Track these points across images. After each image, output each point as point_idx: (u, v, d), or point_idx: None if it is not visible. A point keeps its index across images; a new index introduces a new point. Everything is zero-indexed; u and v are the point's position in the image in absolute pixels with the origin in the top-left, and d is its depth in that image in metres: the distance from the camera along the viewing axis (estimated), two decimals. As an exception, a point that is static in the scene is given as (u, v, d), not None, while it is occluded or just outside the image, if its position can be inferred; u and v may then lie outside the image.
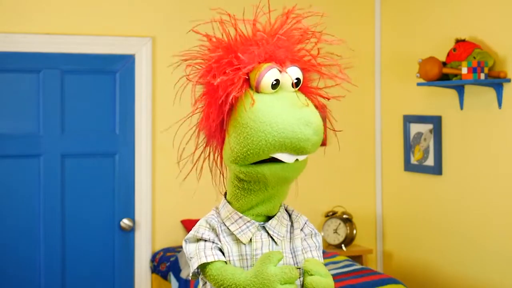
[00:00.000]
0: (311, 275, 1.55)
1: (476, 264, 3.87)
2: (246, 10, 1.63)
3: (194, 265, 1.61)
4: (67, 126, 4.08)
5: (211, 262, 1.59)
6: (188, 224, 4.23)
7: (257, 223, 1.63)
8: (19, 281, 4.01)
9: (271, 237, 1.63)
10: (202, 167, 1.73)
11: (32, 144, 4.02)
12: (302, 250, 1.67)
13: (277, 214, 1.66)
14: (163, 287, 4.06)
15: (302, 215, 1.73)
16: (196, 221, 4.63)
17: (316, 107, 1.61)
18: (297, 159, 1.54)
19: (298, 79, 1.57)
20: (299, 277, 1.57)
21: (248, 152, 1.52)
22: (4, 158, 3.98)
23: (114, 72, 4.17)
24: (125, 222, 4.17)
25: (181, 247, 4.12)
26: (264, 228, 1.63)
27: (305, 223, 1.72)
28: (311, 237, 1.70)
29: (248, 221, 1.62)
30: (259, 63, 1.55)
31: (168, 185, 4.24)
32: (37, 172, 4.03)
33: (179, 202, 4.26)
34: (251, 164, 1.55)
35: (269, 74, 1.54)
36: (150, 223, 4.22)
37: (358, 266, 3.78)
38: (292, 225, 1.69)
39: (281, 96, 1.54)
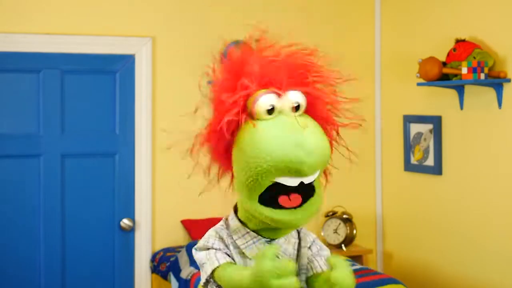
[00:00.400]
0: (337, 269, 1.54)
1: (476, 264, 3.87)
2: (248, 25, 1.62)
3: (208, 271, 1.61)
4: (67, 126, 4.08)
5: (222, 264, 1.59)
6: (188, 224, 4.23)
7: (263, 240, 1.63)
8: (19, 281, 4.01)
9: (277, 255, 1.62)
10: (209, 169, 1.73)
11: (32, 144, 4.01)
12: (308, 263, 1.67)
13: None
14: (163, 287, 4.06)
15: (310, 233, 1.72)
16: (196, 221, 4.64)
17: (327, 131, 1.62)
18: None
19: (298, 103, 1.56)
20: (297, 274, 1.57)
21: (249, 180, 1.53)
22: (4, 158, 3.98)
23: (114, 72, 4.17)
24: (125, 222, 4.17)
25: (181, 247, 4.12)
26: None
27: (313, 241, 1.71)
28: (319, 253, 1.70)
29: (255, 237, 1.63)
30: (258, 88, 1.55)
31: (168, 185, 4.24)
32: (37, 172, 4.03)
33: (179, 202, 4.26)
34: (259, 203, 1.55)
35: (264, 99, 1.53)
36: (150, 223, 4.22)
37: (358, 266, 3.78)
38: (299, 243, 1.68)
39: (278, 121, 1.54)
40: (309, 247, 1.69)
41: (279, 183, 1.52)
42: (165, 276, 3.99)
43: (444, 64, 3.88)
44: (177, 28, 4.24)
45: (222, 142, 1.60)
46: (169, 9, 4.25)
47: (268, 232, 1.62)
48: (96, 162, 4.14)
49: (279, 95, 1.55)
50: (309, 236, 1.71)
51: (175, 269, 3.86)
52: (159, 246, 4.24)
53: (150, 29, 4.22)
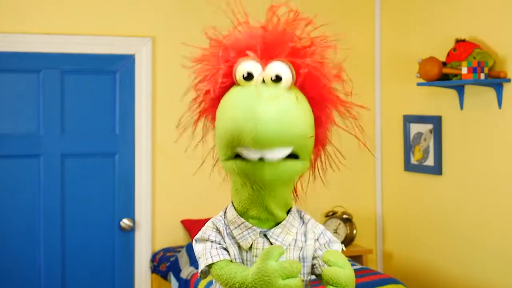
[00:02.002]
0: (330, 266, 1.51)
1: (476, 264, 3.87)
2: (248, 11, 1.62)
3: (201, 265, 1.62)
4: (67, 126, 4.08)
5: (216, 262, 1.58)
6: (188, 224, 4.23)
7: (258, 230, 1.60)
8: (19, 281, 4.01)
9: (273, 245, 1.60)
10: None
11: (32, 144, 4.02)
12: (316, 258, 1.63)
13: (283, 222, 1.61)
14: (163, 287, 4.06)
15: (319, 225, 1.68)
16: (196, 221, 4.64)
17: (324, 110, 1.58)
18: (262, 159, 1.47)
19: (277, 75, 1.50)
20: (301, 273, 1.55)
21: (218, 144, 1.54)
22: (4, 158, 3.98)
23: (114, 72, 4.17)
24: (125, 222, 4.17)
25: (181, 247, 4.12)
26: (265, 235, 1.61)
27: (322, 232, 1.67)
28: (327, 245, 1.66)
29: (250, 227, 1.60)
30: (240, 56, 1.54)
31: (168, 185, 4.24)
32: (37, 172, 4.03)
33: (179, 202, 4.27)
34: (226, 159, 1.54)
35: (242, 65, 1.52)
36: (150, 223, 4.22)
37: (358, 266, 3.78)
38: (305, 234, 1.65)
39: (249, 90, 1.49)
40: (317, 239, 1.65)
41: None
42: (165, 276, 3.99)
43: (444, 64, 3.88)
44: (177, 28, 4.24)
45: (214, 107, 1.60)
46: (169, 9, 4.25)
47: (255, 210, 1.58)
48: (96, 162, 4.14)
49: (260, 62, 1.52)
50: (318, 228, 1.67)
51: (175, 269, 3.86)
52: (159, 246, 4.24)
53: (150, 29, 4.22)
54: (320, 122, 1.59)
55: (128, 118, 4.18)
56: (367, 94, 4.60)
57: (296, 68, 1.53)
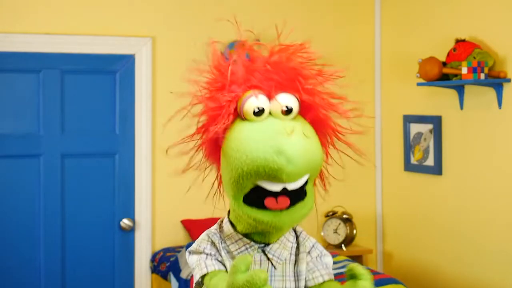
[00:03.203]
0: (363, 279, 1.51)
1: (476, 264, 3.87)
2: (249, 21, 1.61)
3: (196, 276, 1.61)
4: (67, 126, 4.08)
5: (209, 272, 1.58)
6: (188, 224, 4.23)
7: (256, 246, 1.61)
8: (19, 281, 4.01)
9: (270, 260, 1.61)
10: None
11: (32, 144, 4.01)
12: (308, 271, 1.64)
13: (280, 238, 1.63)
14: (163, 287, 4.06)
15: (310, 238, 1.69)
16: (196, 221, 4.64)
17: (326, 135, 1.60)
18: (285, 190, 1.49)
19: (288, 106, 1.52)
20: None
21: (233, 182, 1.52)
22: (4, 158, 3.98)
23: (114, 72, 4.17)
24: (125, 222, 4.17)
25: (181, 247, 4.12)
26: (263, 251, 1.61)
27: (313, 245, 1.68)
28: (319, 258, 1.67)
29: (248, 243, 1.61)
30: (248, 90, 1.53)
31: (168, 185, 4.24)
32: (37, 172, 4.02)
33: (179, 202, 4.26)
34: (245, 203, 1.53)
35: (251, 101, 1.52)
36: (150, 223, 4.22)
37: (358, 266, 3.78)
38: (298, 248, 1.66)
39: (264, 124, 1.51)
40: (309, 252, 1.67)
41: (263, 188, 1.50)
42: (165, 276, 3.99)
43: (444, 64, 3.88)
44: (177, 28, 4.24)
45: (214, 145, 1.59)
46: (169, 9, 4.25)
47: (259, 236, 1.60)
48: (96, 162, 4.14)
49: (269, 97, 1.53)
50: (309, 241, 1.68)
51: (175, 269, 3.86)
52: (159, 246, 4.24)
53: (150, 29, 4.22)
54: (323, 146, 1.62)
55: (128, 118, 4.18)
56: (367, 94, 4.60)
57: (303, 104, 1.56)
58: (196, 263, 1.62)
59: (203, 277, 1.60)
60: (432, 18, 4.17)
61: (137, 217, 4.20)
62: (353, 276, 1.53)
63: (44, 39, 4.00)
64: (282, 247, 1.63)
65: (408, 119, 4.37)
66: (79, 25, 4.08)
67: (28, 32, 3.98)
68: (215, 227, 1.68)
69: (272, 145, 1.46)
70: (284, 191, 1.50)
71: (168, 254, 4.08)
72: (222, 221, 1.68)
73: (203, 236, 1.66)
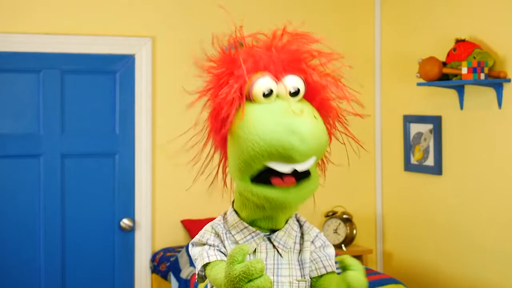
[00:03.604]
0: (352, 270, 1.55)
1: (476, 264, 3.87)
2: (249, 22, 1.63)
3: (198, 266, 1.62)
4: (67, 126, 4.08)
5: (211, 262, 1.59)
6: (188, 224, 4.23)
7: (262, 234, 1.62)
8: (19, 281, 4.01)
9: (276, 248, 1.62)
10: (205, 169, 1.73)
11: (32, 144, 4.01)
12: (312, 261, 1.65)
13: (285, 226, 1.64)
14: (163, 287, 4.06)
15: (314, 227, 1.71)
16: (196, 221, 4.64)
17: (329, 118, 1.62)
18: (295, 171, 1.51)
19: (295, 88, 1.55)
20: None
21: (242, 163, 1.53)
22: (4, 158, 3.98)
23: (114, 72, 4.17)
24: (125, 222, 4.17)
25: (181, 247, 4.12)
26: (269, 239, 1.62)
27: (316, 235, 1.69)
28: (321, 249, 1.68)
29: (254, 231, 1.62)
30: (255, 73, 1.55)
31: (168, 185, 4.24)
32: (37, 172, 4.02)
33: (179, 202, 4.26)
34: (252, 182, 1.54)
35: (260, 83, 1.53)
36: (150, 223, 4.22)
37: (358, 266, 3.78)
38: (302, 237, 1.67)
39: (274, 106, 1.53)
40: (312, 242, 1.68)
41: (271, 168, 1.51)
42: (165, 276, 3.99)
43: (444, 64, 3.88)
44: (177, 28, 4.24)
45: (223, 130, 1.60)
46: (169, 9, 4.25)
47: (265, 222, 1.61)
48: (96, 162, 4.14)
49: (276, 79, 1.55)
50: (313, 231, 1.69)
51: (175, 269, 3.86)
52: (159, 246, 4.24)
53: (150, 29, 4.22)
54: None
55: (128, 118, 4.18)
56: (367, 94, 4.60)
57: (308, 85, 1.58)
58: (198, 254, 1.62)
59: (204, 266, 1.60)
60: (432, 18, 4.17)
61: (137, 217, 4.20)
62: (344, 268, 1.57)
63: (44, 39, 4.00)
64: (287, 235, 1.64)
65: (408, 119, 4.37)
66: (79, 25, 4.08)
67: (28, 32, 3.98)
68: (218, 218, 1.69)
69: (285, 124, 1.48)
70: (293, 172, 1.52)
71: (168, 254, 4.08)
72: (225, 213, 1.68)
73: (207, 227, 1.67)
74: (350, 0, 4.64)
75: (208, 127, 1.65)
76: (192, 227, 4.20)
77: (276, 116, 1.50)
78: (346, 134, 1.68)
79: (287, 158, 1.48)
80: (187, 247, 3.94)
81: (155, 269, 4.13)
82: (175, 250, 4.12)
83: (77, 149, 4.10)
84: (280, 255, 1.62)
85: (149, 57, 4.18)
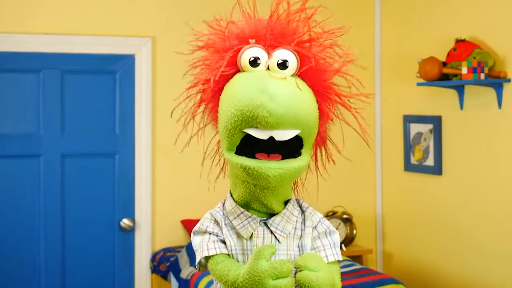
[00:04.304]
0: (301, 270, 1.50)
1: (476, 264, 3.87)
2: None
3: (197, 258, 1.63)
4: (67, 126, 4.08)
5: (213, 255, 1.59)
6: (188, 224, 4.23)
7: (258, 219, 1.61)
8: (19, 281, 4.01)
9: (274, 233, 1.61)
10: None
11: (32, 144, 4.02)
12: (315, 249, 1.63)
13: (283, 211, 1.62)
14: (163, 287, 4.06)
15: (317, 213, 1.67)
16: (196, 221, 4.63)
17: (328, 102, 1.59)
18: (271, 138, 1.47)
19: (284, 60, 1.52)
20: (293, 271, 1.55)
21: (224, 131, 1.52)
22: (4, 158, 3.98)
23: (114, 72, 4.17)
24: (125, 222, 4.17)
25: (181, 247, 4.12)
26: (266, 224, 1.61)
27: (319, 221, 1.66)
28: (326, 235, 1.65)
29: (250, 217, 1.61)
30: (245, 44, 1.56)
31: (168, 185, 4.24)
32: (37, 172, 4.03)
33: (179, 202, 4.27)
34: (236, 154, 1.53)
35: (248, 52, 1.54)
36: (150, 223, 4.22)
37: (358, 266, 3.79)
38: (303, 222, 1.65)
39: (258, 73, 1.52)
40: (315, 227, 1.65)
41: (253, 138, 1.49)
42: (165, 276, 3.99)
43: (444, 64, 3.88)
44: (177, 28, 4.24)
45: (216, 99, 1.60)
46: (169, 9, 4.25)
47: (258, 204, 1.59)
48: (96, 162, 4.14)
49: (267, 51, 1.54)
50: (315, 216, 1.66)
51: (175, 269, 3.86)
52: (159, 246, 4.24)
53: (150, 29, 4.22)
54: (322, 115, 1.60)
55: (128, 118, 4.18)
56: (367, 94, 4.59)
57: (300, 59, 1.55)
58: (198, 245, 1.63)
59: (205, 259, 1.61)
60: (432, 18, 4.17)
61: (137, 217, 4.20)
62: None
63: (44, 39, 4.00)
64: (285, 220, 1.62)
65: (408, 119, 4.37)
66: (79, 25, 4.08)
67: (28, 32, 3.98)
68: (218, 205, 1.69)
69: (258, 85, 1.47)
70: (274, 144, 1.49)
71: (168, 254, 4.08)
72: (225, 199, 1.68)
73: (206, 215, 1.67)
74: (350, 0, 4.64)
75: (207, 104, 1.65)
76: (192, 227, 4.17)
77: (255, 79, 1.49)
78: (347, 123, 1.63)
79: (258, 117, 1.45)
80: (187, 247, 3.94)
81: (155, 269, 4.13)
82: (175, 250, 4.12)
83: (77, 149, 4.11)
84: (278, 240, 1.60)
85: (149, 57, 4.18)
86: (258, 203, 1.60)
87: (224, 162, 1.74)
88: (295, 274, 1.52)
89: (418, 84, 4.03)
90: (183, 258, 3.88)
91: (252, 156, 1.51)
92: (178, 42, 4.26)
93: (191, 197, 4.27)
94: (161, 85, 4.21)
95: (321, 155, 1.71)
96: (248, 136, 1.50)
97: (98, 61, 4.13)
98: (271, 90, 1.45)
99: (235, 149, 1.53)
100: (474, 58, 3.67)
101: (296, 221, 1.64)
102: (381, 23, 4.64)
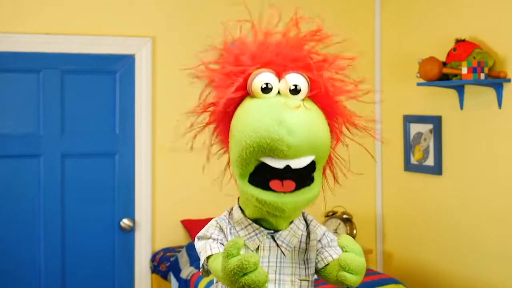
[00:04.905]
0: (346, 251, 1.51)
1: (476, 264, 3.87)
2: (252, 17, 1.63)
3: (202, 259, 1.63)
4: (67, 126, 4.08)
5: (213, 254, 1.59)
6: (188, 224, 4.23)
7: (266, 231, 1.61)
8: (19, 281, 4.01)
9: (280, 247, 1.62)
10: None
11: (32, 144, 4.01)
12: (318, 254, 1.65)
13: (290, 226, 1.63)
14: (163, 287, 4.06)
15: (321, 226, 1.69)
16: (196, 221, 4.64)
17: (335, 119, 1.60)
18: (288, 167, 1.48)
19: (296, 85, 1.52)
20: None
21: (238, 158, 1.51)
22: (4, 158, 3.98)
23: (114, 72, 4.17)
24: (125, 222, 4.17)
25: (181, 247, 4.12)
26: (273, 237, 1.62)
27: (324, 234, 1.69)
28: (330, 244, 1.68)
29: (257, 229, 1.61)
30: (257, 68, 1.55)
31: (168, 185, 4.24)
32: (37, 172, 4.02)
33: (179, 202, 4.26)
34: (250, 183, 1.53)
35: (260, 78, 1.53)
36: (150, 223, 4.22)
37: (358, 266, 3.78)
38: (308, 236, 1.66)
39: (271, 100, 1.51)
40: (319, 240, 1.67)
41: (268, 166, 1.48)
42: (165, 276, 3.99)
43: (444, 64, 3.88)
44: (177, 28, 4.24)
45: (224, 121, 1.60)
46: (169, 9, 4.25)
47: (267, 223, 1.60)
48: (96, 162, 4.14)
49: (278, 75, 1.54)
50: (319, 229, 1.68)
51: (175, 269, 3.86)
52: (159, 246, 4.24)
53: (150, 29, 4.22)
54: (331, 135, 1.60)
55: (128, 118, 4.18)
56: (367, 94, 4.59)
57: (310, 81, 1.55)
58: (202, 248, 1.63)
59: (207, 259, 1.61)
60: (432, 18, 4.17)
61: (137, 217, 4.20)
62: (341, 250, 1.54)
63: (44, 39, 4.00)
64: (291, 234, 1.63)
65: (408, 119, 4.37)
66: (79, 25, 4.08)
67: (28, 32, 3.98)
68: (224, 213, 1.69)
69: (275, 116, 1.46)
70: (288, 171, 1.48)
71: (168, 254, 4.08)
72: (232, 208, 1.68)
73: (212, 222, 1.67)
74: (350, 0, 4.64)
75: (215, 126, 1.65)
76: (192, 227, 4.20)
77: (269, 109, 1.49)
78: (353, 140, 1.67)
79: (276, 150, 1.45)
80: (187, 247, 3.94)
81: (155, 269, 4.13)
82: (175, 250, 4.12)
83: (77, 149, 4.10)
84: (283, 253, 1.61)
85: (149, 57, 4.18)
86: (269, 223, 1.61)
87: (227, 163, 1.74)
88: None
89: (418, 84, 4.03)
90: (183, 258, 3.88)
91: (266, 184, 1.50)
92: (178, 42, 4.29)
93: (191, 197, 4.27)
94: (161, 85, 4.21)
95: (330, 171, 1.73)
96: (263, 163, 1.50)
97: (98, 61, 4.13)
98: (289, 122, 1.45)
99: (248, 177, 1.53)
100: (474, 58, 3.67)
101: (302, 235, 1.66)
102: (381, 23, 4.64)
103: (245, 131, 1.49)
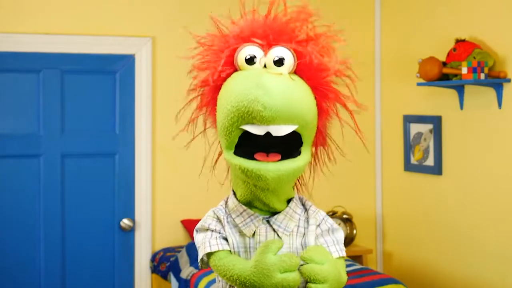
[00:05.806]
0: (307, 263, 1.51)
1: (476, 264, 3.87)
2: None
3: (200, 254, 1.63)
4: (67, 126, 4.08)
5: (215, 251, 1.59)
6: (188, 224, 4.23)
7: (261, 217, 1.61)
8: (19, 281, 4.01)
9: (276, 231, 1.61)
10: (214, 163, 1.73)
11: (32, 144, 4.02)
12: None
13: (285, 209, 1.62)
14: (163, 287, 4.06)
15: (320, 211, 1.68)
16: (196, 221, 4.64)
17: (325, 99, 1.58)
18: (268, 134, 1.47)
19: (280, 57, 1.52)
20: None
21: (222, 129, 1.52)
22: (4, 158, 3.98)
23: (114, 72, 4.17)
24: (125, 222, 4.17)
25: (181, 247, 4.12)
26: (268, 222, 1.61)
27: (323, 219, 1.67)
28: (329, 232, 1.66)
29: (252, 215, 1.61)
30: (242, 42, 1.56)
31: (168, 185, 4.24)
32: (37, 172, 4.03)
33: (179, 202, 4.26)
34: (235, 154, 1.53)
35: (245, 50, 1.54)
36: (150, 223, 4.22)
37: (358, 266, 3.79)
38: (307, 220, 1.65)
39: (254, 70, 1.52)
40: (319, 225, 1.66)
41: (251, 136, 1.48)
42: (165, 276, 3.99)
43: (444, 64, 3.88)
44: (177, 28, 4.23)
45: (215, 101, 1.60)
46: (169, 9, 4.25)
47: (258, 203, 1.60)
48: (96, 162, 4.14)
49: (262, 48, 1.54)
50: (319, 214, 1.67)
51: (175, 269, 3.86)
52: (159, 246, 4.24)
53: (150, 29, 4.22)
54: (321, 112, 1.59)
55: (128, 118, 4.18)
56: (367, 94, 4.60)
57: (297, 57, 1.54)
58: (201, 242, 1.63)
59: (207, 255, 1.61)
60: (432, 18, 4.17)
61: (137, 217, 4.20)
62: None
63: (44, 39, 4.00)
64: (288, 218, 1.62)
65: (408, 119, 4.37)
66: (79, 25, 4.08)
67: (28, 32, 3.98)
68: (221, 203, 1.69)
69: (254, 80, 1.47)
70: (274, 144, 1.48)
71: (168, 254, 4.08)
72: (227, 197, 1.68)
73: (209, 212, 1.68)
74: (350, 0, 4.64)
75: (208, 109, 1.65)
76: (192, 227, 4.20)
77: (252, 76, 1.49)
78: (345, 122, 1.64)
79: (253, 112, 1.44)
80: (187, 247, 3.94)
81: (155, 269, 4.13)
82: (175, 250, 4.12)
83: (77, 149, 4.11)
84: (280, 238, 1.60)
85: (149, 57, 4.18)
86: (260, 202, 1.60)
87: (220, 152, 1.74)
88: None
89: (418, 84, 4.03)
90: (183, 258, 3.88)
91: (251, 155, 1.51)
92: (178, 42, 4.26)
93: (191, 197, 4.27)
94: (161, 85, 4.21)
95: (322, 155, 1.71)
96: (246, 134, 1.49)
97: (98, 61, 4.13)
98: (266, 84, 1.44)
99: (233, 148, 1.53)
100: (474, 58, 3.67)
101: (299, 219, 1.64)
102: (381, 23, 4.64)
103: (226, 98, 1.50)
